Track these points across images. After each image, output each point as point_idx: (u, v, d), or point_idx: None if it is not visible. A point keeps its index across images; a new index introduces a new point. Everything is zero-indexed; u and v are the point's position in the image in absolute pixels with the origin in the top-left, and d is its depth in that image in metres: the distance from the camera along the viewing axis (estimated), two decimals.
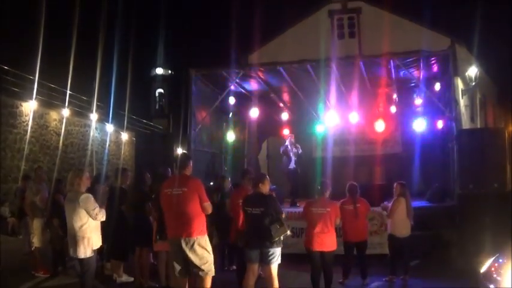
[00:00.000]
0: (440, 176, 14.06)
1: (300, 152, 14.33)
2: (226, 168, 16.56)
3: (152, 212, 8.81)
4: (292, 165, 14.20)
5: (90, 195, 7.23)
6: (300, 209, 10.70)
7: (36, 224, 10.33)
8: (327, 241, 8.31)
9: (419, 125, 14.38)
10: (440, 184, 13.47)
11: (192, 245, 6.75)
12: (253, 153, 18.40)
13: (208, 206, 7.00)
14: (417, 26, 21.41)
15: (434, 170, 15.07)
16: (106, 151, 27.49)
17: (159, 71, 52.91)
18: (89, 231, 7.13)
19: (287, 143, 14.37)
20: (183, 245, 6.75)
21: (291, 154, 14.20)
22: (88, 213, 7.07)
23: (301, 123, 16.70)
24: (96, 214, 7.13)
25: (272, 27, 24.79)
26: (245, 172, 9.15)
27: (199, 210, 6.90)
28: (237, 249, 8.43)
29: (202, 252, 6.83)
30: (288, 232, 7.33)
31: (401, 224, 9.42)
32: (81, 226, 7.08)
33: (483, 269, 6.34)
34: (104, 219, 7.37)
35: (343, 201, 9.29)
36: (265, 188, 7.57)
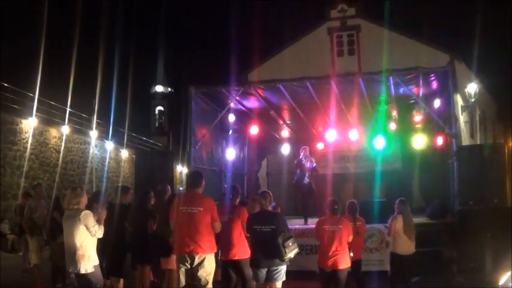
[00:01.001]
0: (440, 193, 13.99)
1: (314, 165, 14.01)
2: (226, 186, 16.44)
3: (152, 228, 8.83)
4: (305, 179, 13.67)
5: (90, 212, 7.23)
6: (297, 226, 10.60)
7: (34, 241, 10.30)
8: (340, 259, 8.04)
9: (419, 142, 14.39)
10: (441, 200, 13.40)
11: (203, 261, 6.95)
12: (253, 171, 18.35)
13: (218, 226, 7.25)
14: (416, 42, 21.65)
15: (434, 187, 15.02)
16: (106, 168, 27.48)
17: (159, 88, 53.15)
18: (89, 248, 7.11)
19: (301, 155, 13.92)
20: (196, 261, 6.93)
21: (305, 167, 13.70)
22: (87, 229, 7.06)
23: (301, 140, 16.64)
24: (96, 231, 7.12)
25: (272, 45, 24.98)
26: (236, 189, 8.67)
27: (212, 229, 7.14)
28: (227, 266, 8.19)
29: (210, 270, 7.04)
30: (297, 249, 7.36)
31: (400, 242, 9.32)
32: (81, 243, 7.06)
33: (501, 282, 6.45)
34: (101, 236, 7.35)
35: None
36: (270, 205, 7.65)
